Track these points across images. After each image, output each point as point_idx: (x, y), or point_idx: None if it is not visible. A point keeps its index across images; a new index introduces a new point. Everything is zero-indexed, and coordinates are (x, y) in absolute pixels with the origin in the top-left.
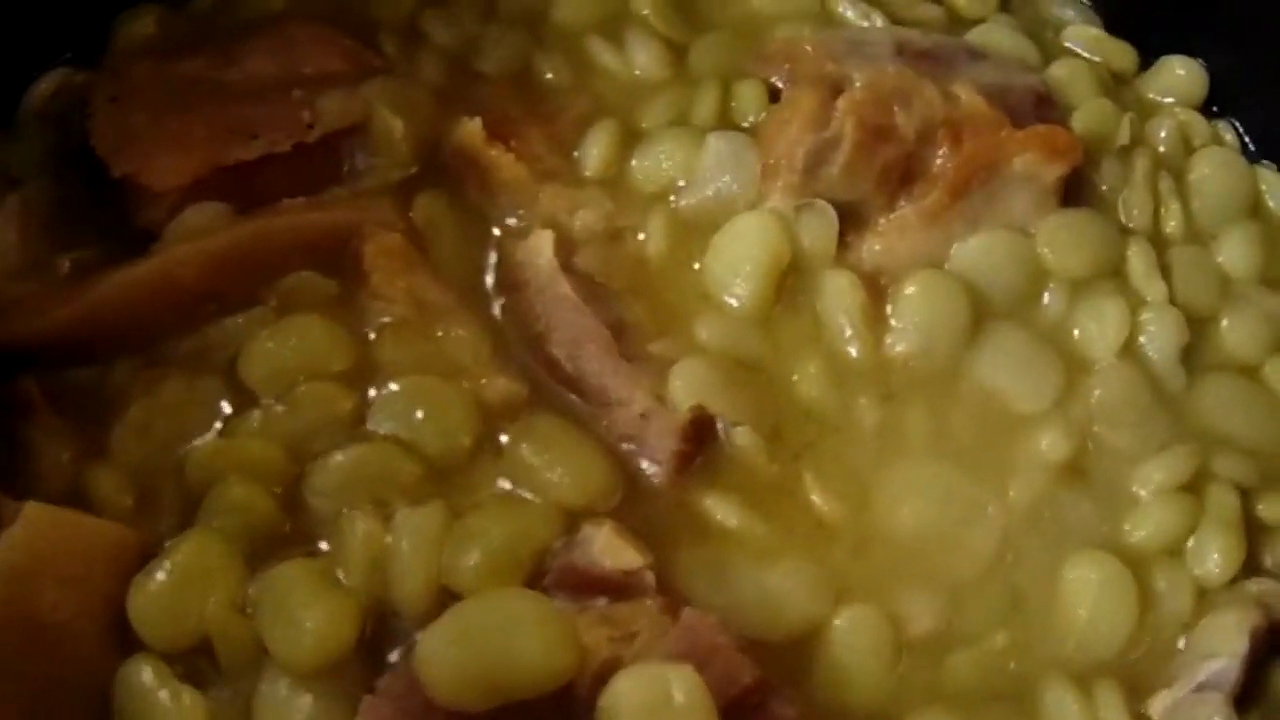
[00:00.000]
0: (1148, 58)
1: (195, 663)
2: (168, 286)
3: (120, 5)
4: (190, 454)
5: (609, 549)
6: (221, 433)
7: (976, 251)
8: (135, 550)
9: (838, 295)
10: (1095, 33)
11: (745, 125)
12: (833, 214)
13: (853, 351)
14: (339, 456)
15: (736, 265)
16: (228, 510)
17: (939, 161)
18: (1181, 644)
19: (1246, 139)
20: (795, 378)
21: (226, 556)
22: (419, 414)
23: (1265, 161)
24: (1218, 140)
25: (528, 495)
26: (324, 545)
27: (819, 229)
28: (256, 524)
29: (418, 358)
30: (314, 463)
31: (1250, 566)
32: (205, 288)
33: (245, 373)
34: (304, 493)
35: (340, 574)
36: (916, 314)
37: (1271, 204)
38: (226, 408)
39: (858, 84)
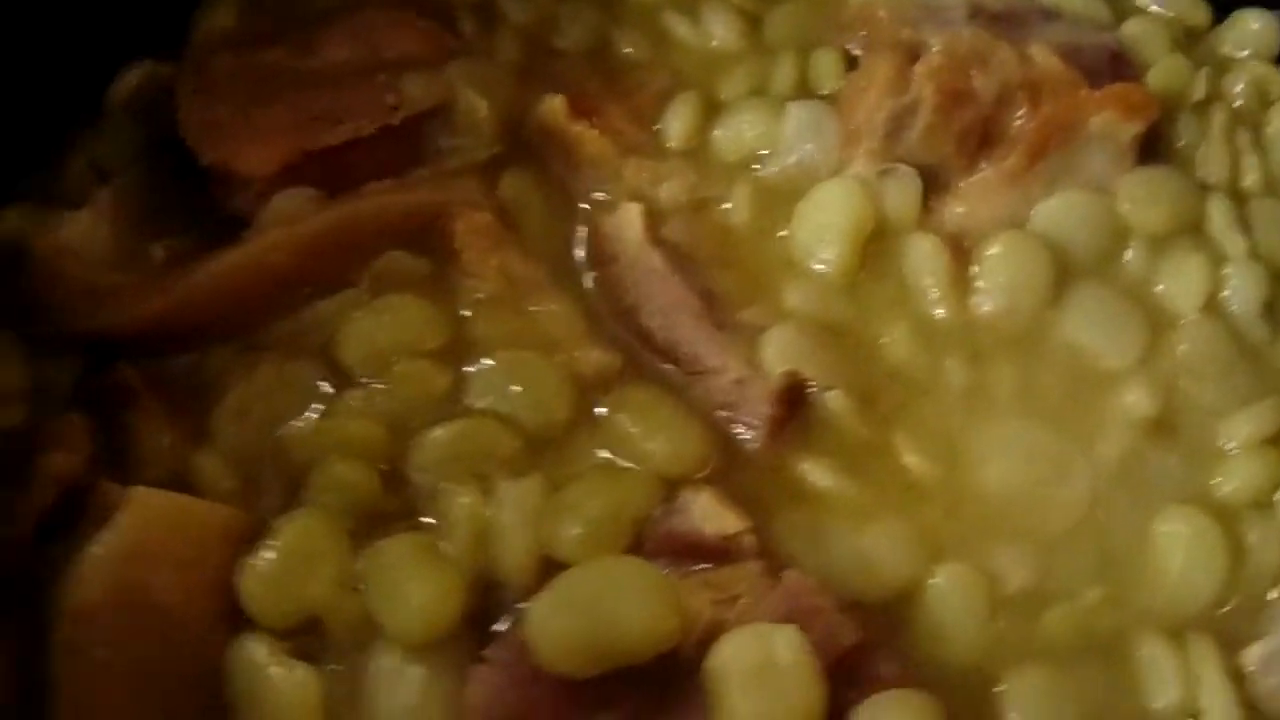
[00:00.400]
0: (1220, 13)
1: (306, 640)
2: (262, 272)
3: None
4: (290, 435)
5: (709, 514)
6: (321, 413)
7: (1057, 211)
8: (243, 531)
9: (922, 258)
10: None
11: (824, 93)
12: (915, 178)
13: (939, 313)
14: (438, 432)
15: (821, 232)
16: (331, 489)
17: (1017, 123)
18: (1273, 595)
19: None
20: (883, 340)
21: (332, 534)
22: (515, 388)
23: None
24: None
25: (626, 464)
26: (428, 520)
27: (901, 193)
28: (360, 501)
29: (511, 333)
30: (414, 439)
31: None
32: (298, 272)
33: (342, 354)
34: (405, 469)
35: (445, 547)
36: (1000, 274)
37: None
38: (325, 388)
39: (934, 48)
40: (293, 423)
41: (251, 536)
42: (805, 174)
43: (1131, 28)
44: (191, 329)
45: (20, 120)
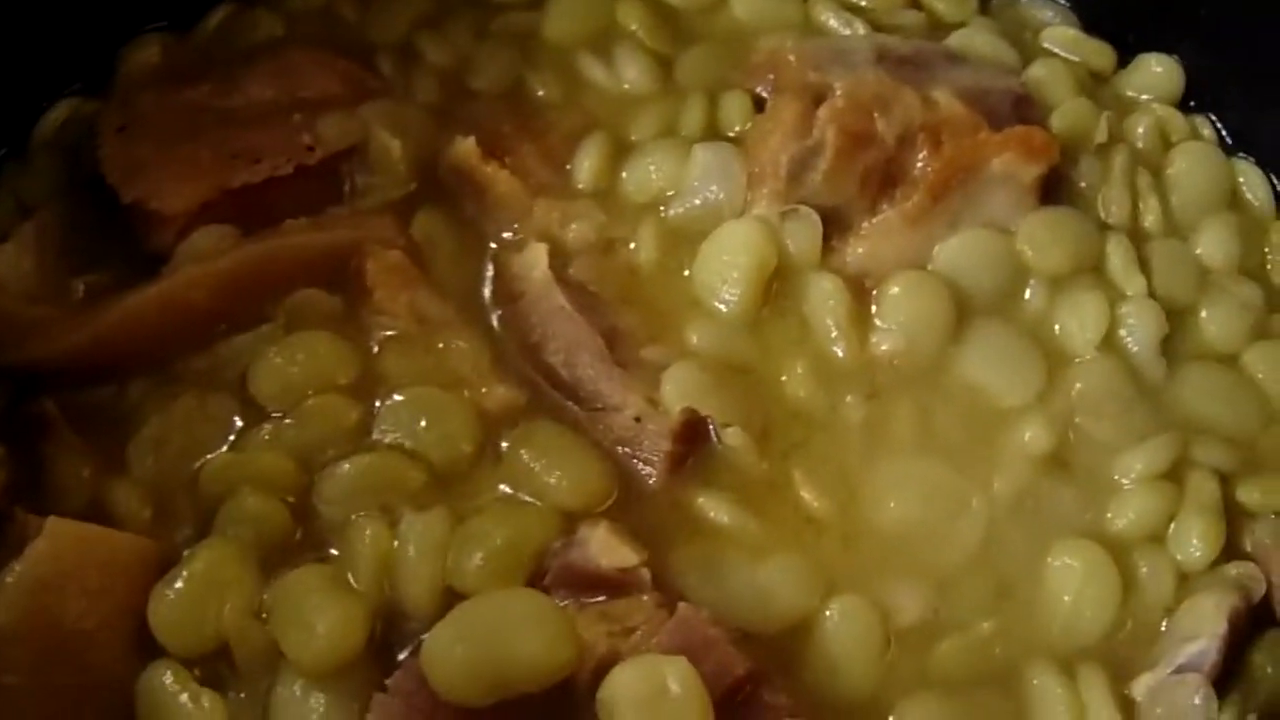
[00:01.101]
0: (1125, 56)
1: (214, 667)
2: (179, 307)
3: (126, 35)
4: (205, 467)
5: (605, 548)
6: (234, 446)
7: (958, 251)
8: (155, 560)
9: (823, 298)
10: (1073, 33)
11: (731, 135)
12: (817, 219)
13: (839, 351)
14: (347, 466)
15: (725, 271)
16: (242, 520)
17: (919, 165)
18: (1164, 627)
19: (1224, 133)
20: (784, 378)
21: (241, 564)
22: (422, 423)
23: (1242, 154)
24: (1195, 135)
25: (527, 498)
26: (334, 551)
27: (804, 234)
28: (269, 532)
29: (420, 369)
30: (323, 472)
31: (1230, 550)
32: (215, 307)
33: (255, 388)
34: (314, 501)
35: (350, 578)
36: (900, 313)
37: (1249, 196)
38: (238, 422)
39: (838, 92)
40: (208, 455)
41: (164, 566)
42: (710, 214)
43: (1037, 70)
44: (111, 362)
45: None
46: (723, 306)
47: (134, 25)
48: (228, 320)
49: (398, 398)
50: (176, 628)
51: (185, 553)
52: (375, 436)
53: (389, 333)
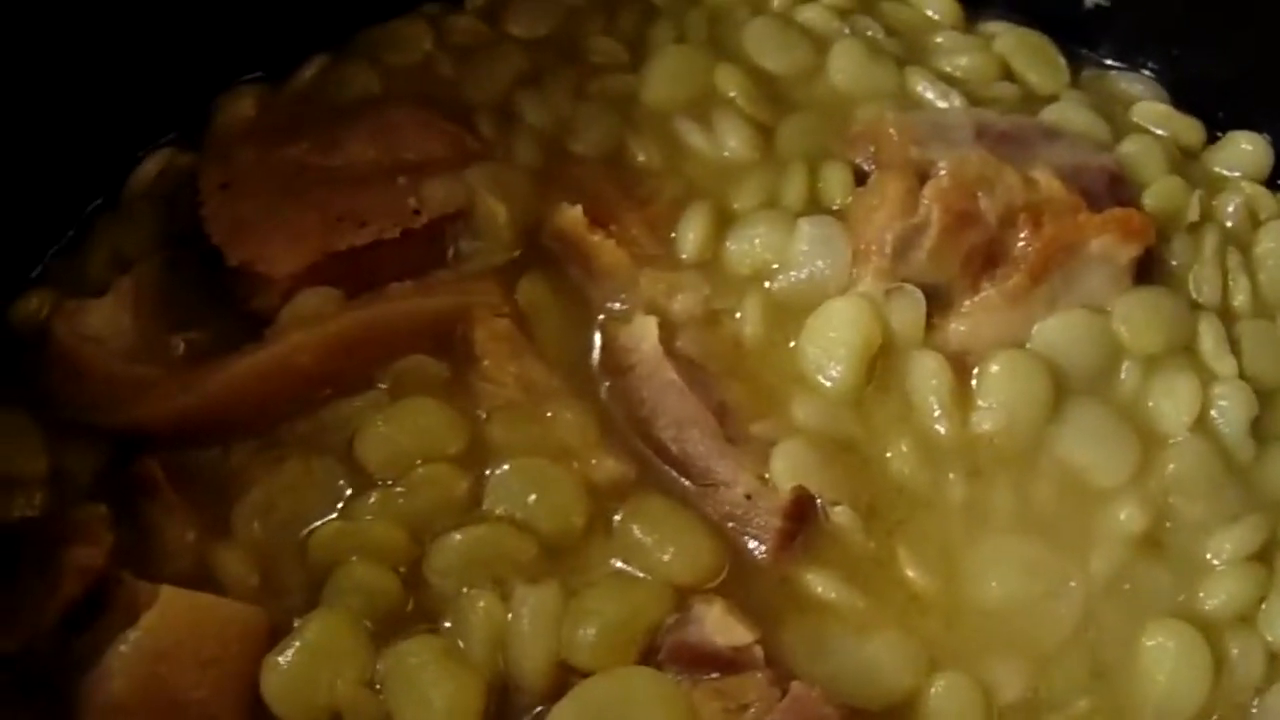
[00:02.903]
0: (1214, 132)
1: None
2: (286, 372)
3: (219, 85)
4: (313, 534)
5: (721, 626)
6: (342, 513)
7: (1056, 330)
8: (266, 630)
9: (926, 376)
10: (1163, 109)
11: (834, 208)
12: (921, 297)
13: (941, 429)
14: (457, 537)
15: (831, 348)
16: (352, 590)
17: (1020, 244)
18: (1255, 708)
19: None
20: (888, 455)
21: (354, 635)
22: (532, 495)
23: None
24: None
25: (639, 573)
26: (447, 624)
27: (908, 312)
28: (381, 603)
29: (528, 439)
30: (433, 543)
31: None
32: (321, 372)
33: (362, 455)
34: (425, 572)
35: (463, 650)
36: (1001, 392)
37: None
38: (346, 489)
39: (942, 169)
40: (316, 522)
41: (274, 635)
42: (815, 289)
43: (1129, 146)
44: (214, 425)
45: (42, 203)
46: (828, 383)
47: (228, 75)
48: (334, 385)
49: (506, 468)
50: (290, 698)
51: (297, 622)
52: (485, 507)
53: (497, 401)
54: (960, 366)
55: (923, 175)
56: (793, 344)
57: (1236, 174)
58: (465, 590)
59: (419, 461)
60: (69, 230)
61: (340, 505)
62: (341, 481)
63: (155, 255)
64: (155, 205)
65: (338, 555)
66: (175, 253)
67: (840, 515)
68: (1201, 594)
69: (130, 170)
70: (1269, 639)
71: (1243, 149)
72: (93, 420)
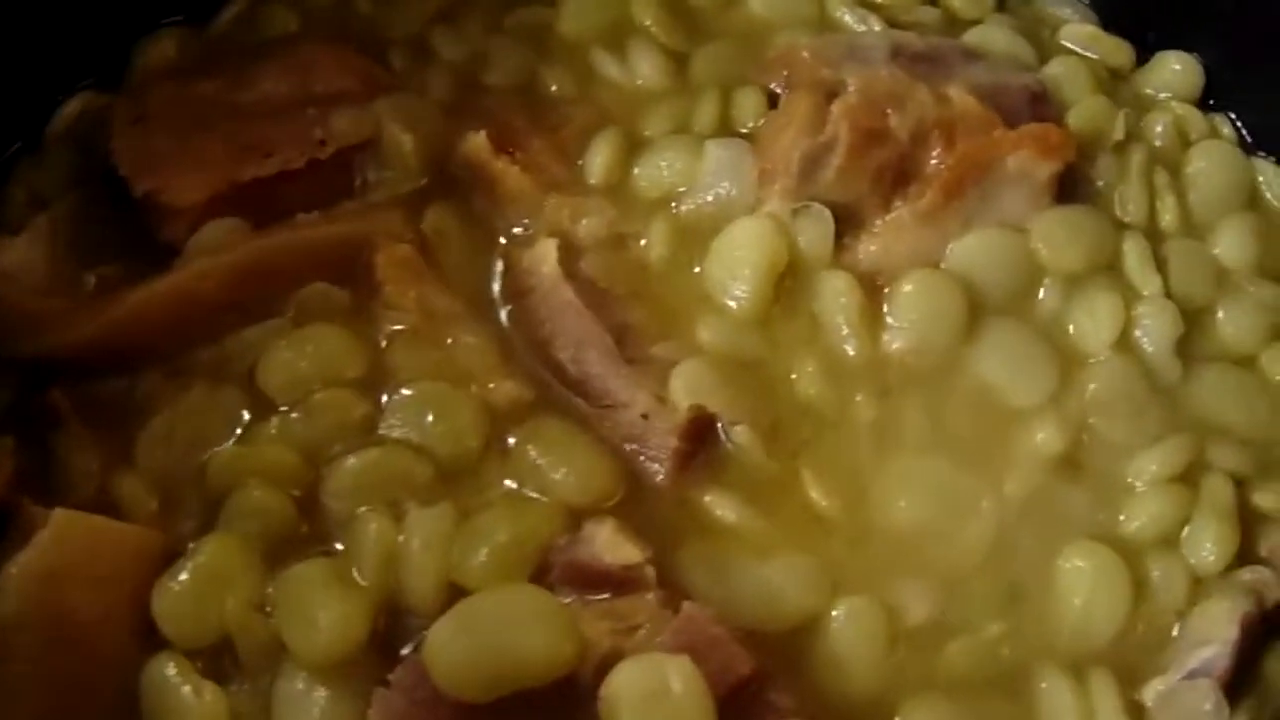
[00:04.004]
0: (1144, 54)
1: (217, 659)
2: (189, 299)
3: (141, 29)
4: (211, 460)
5: (610, 545)
6: (241, 439)
7: (971, 249)
8: (159, 552)
9: (834, 295)
10: (1091, 30)
11: (744, 131)
12: (828, 217)
13: (850, 350)
14: (353, 460)
15: (735, 268)
16: (247, 513)
17: (933, 162)
18: (1175, 632)
19: (1244, 132)
20: (794, 376)
21: (246, 557)
22: (430, 418)
23: (1262, 154)
24: (1214, 134)
25: (534, 495)
26: (339, 546)
27: (815, 231)
28: (275, 526)
29: (428, 364)
30: (329, 466)
31: (1245, 555)
32: (225, 300)
33: (264, 381)
34: (320, 495)
35: (355, 573)
36: (913, 312)
37: (1269, 195)
38: (246, 415)
39: (851, 88)
40: (215, 448)
41: (168, 558)
42: (722, 211)
43: (1054, 68)
44: (120, 354)
45: None
46: (733, 303)
47: (149, 20)
48: (237, 313)
49: (405, 393)
50: (180, 620)
51: (190, 545)
52: (382, 431)
53: (398, 327)
54: (871, 286)
55: (833, 96)
56: (698, 267)
57: (1166, 95)
58: (359, 513)
59: (318, 387)
60: None
61: (239, 431)
62: (243, 409)
63: (71, 194)
64: (73, 146)
65: (235, 480)
66: (91, 191)
67: (741, 435)
68: (1122, 516)
69: (50, 115)
70: (1191, 562)
71: (1173, 69)
72: (2, 352)
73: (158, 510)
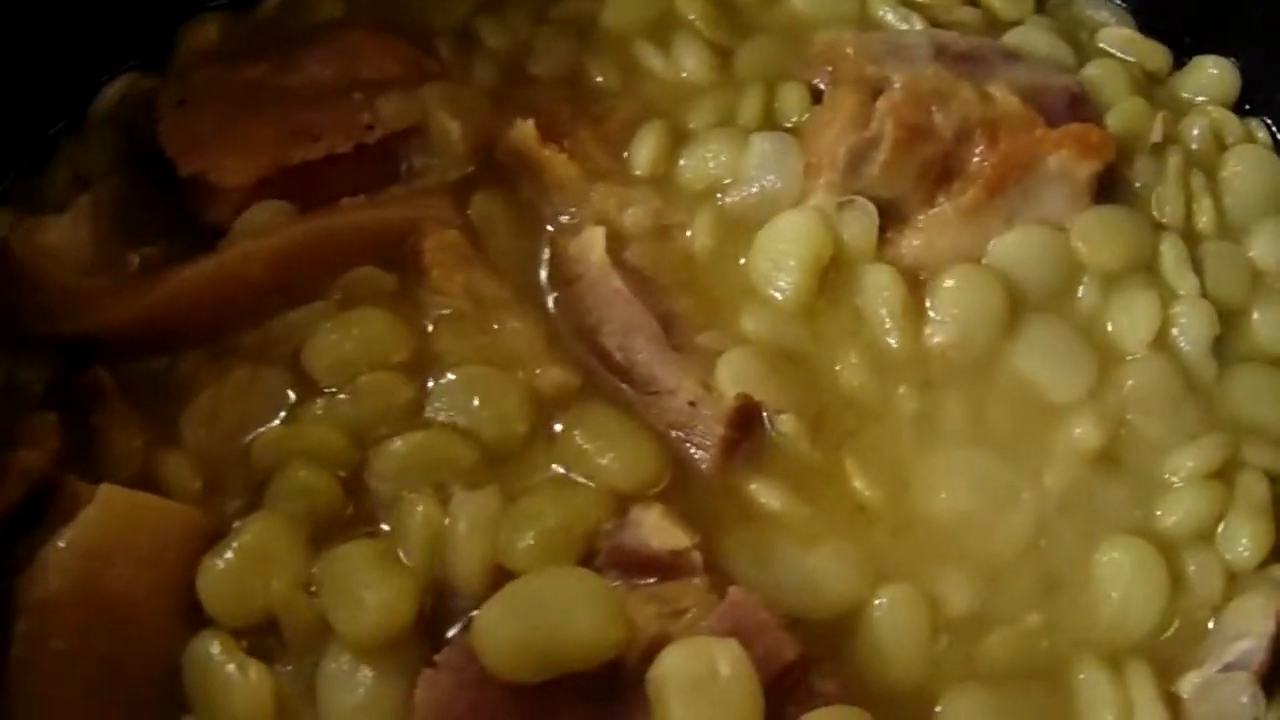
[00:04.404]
0: (1181, 57)
1: (262, 639)
2: (234, 281)
3: (185, 13)
4: (256, 440)
5: (657, 530)
6: (286, 420)
7: (1013, 246)
8: (205, 531)
9: (878, 289)
10: (1129, 33)
11: (788, 126)
12: (873, 210)
13: (892, 342)
14: (399, 443)
15: (780, 260)
16: (293, 493)
17: (976, 160)
18: (1211, 626)
19: (1278, 135)
20: (837, 368)
21: (291, 537)
22: (476, 402)
23: None
24: (1250, 138)
25: (580, 479)
26: (385, 527)
27: (860, 225)
28: (320, 506)
29: (474, 349)
30: (375, 448)
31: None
32: (270, 282)
33: (309, 363)
34: (366, 477)
35: (401, 554)
36: (954, 306)
37: None
38: (291, 396)
39: (896, 85)
40: (260, 428)
41: (213, 537)
42: (766, 203)
43: (1093, 70)
44: (165, 334)
45: (5, 125)
46: (778, 295)
47: (194, 3)
48: (283, 295)
49: (451, 376)
50: (224, 598)
51: (235, 524)
52: (429, 414)
53: (444, 312)
54: (913, 281)
55: (878, 92)
56: (743, 259)
57: (1202, 98)
58: (405, 495)
59: (364, 369)
60: (35, 154)
61: (284, 412)
62: (288, 390)
63: (115, 175)
64: (117, 128)
65: (280, 460)
66: (135, 173)
67: (786, 424)
68: (1159, 511)
69: (94, 96)
70: (1227, 558)
71: (1209, 73)
72: (46, 330)
73: (202, 489)
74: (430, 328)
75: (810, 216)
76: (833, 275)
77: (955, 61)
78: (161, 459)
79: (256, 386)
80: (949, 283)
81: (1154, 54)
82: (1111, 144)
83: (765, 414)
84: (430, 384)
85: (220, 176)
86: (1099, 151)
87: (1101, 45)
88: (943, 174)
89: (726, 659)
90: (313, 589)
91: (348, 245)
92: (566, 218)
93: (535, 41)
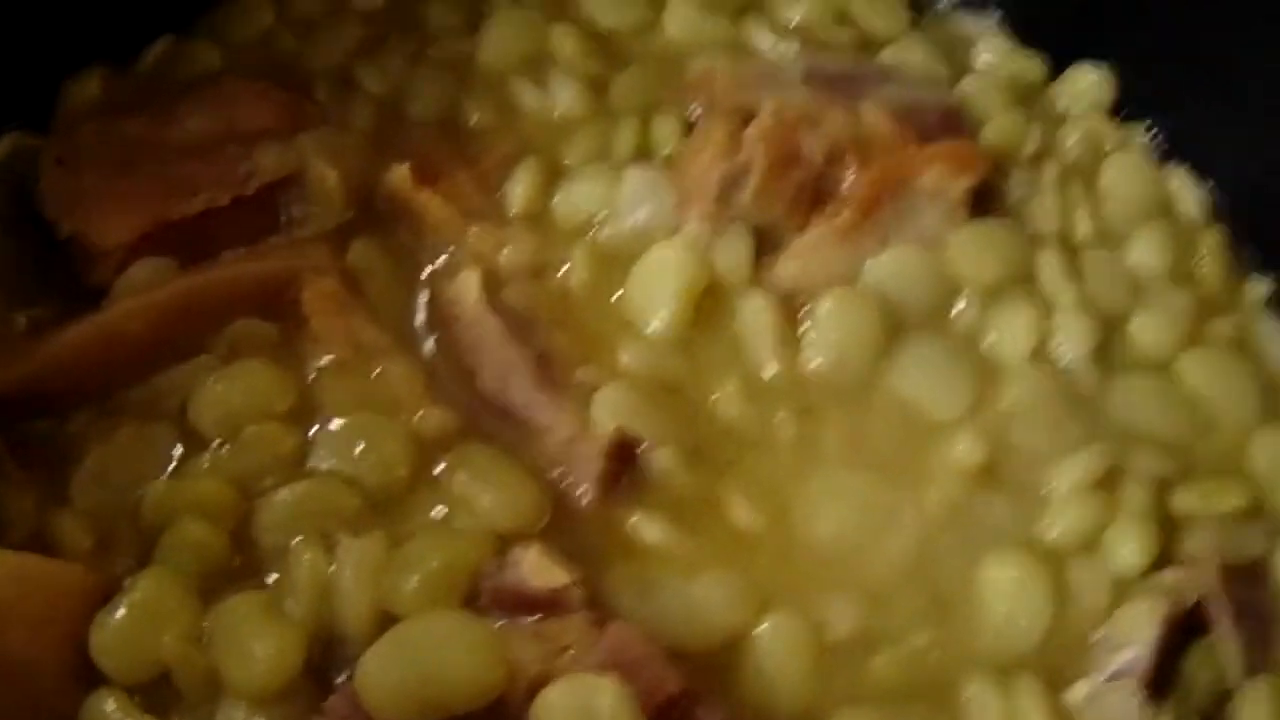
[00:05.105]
0: (1059, 67)
1: (157, 694)
2: (117, 339)
3: (69, 69)
4: (145, 496)
5: (536, 569)
6: (174, 475)
7: (888, 266)
8: (96, 589)
9: (753, 316)
10: (1005, 46)
11: (663, 156)
12: (746, 238)
13: (770, 369)
14: (284, 493)
15: (655, 293)
16: (182, 548)
17: (848, 182)
18: (1098, 636)
19: (1157, 140)
20: (715, 397)
21: (181, 592)
22: (358, 449)
23: (1175, 162)
24: (1128, 144)
25: (462, 521)
26: (273, 577)
27: (733, 253)
28: (209, 560)
29: (356, 395)
30: (261, 499)
31: (1167, 558)
32: (153, 339)
33: (195, 418)
34: (253, 528)
35: (289, 603)
36: (830, 330)
37: (1181, 204)
38: (178, 451)
39: (766, 111)
40: (149, 484)
41: (105, 594)
42: (641, 237)
43: (969, 85)
44: (52, 394)
45: None
46: (654, 328)
47: (76, 61)
48: (167, 351)
49: (334, 424)
50: (118, 655)
51: (126, 581)
52: (313, 463)
53: (326, 360)
54: (790, 306)
55: (749, 119)
56: (620, 292)
57: (1080, 107)
58: (291, 544)
59: (248, 421)
60: None
61: (173, 467)
62: (176, 445)
63: (1, 237)
64: (2, 189)
65: (169, 515)
66: (22, 233)
67: (664, 457)
68: (1043, 524)
69: None
70: (1112, 566)
71: (1086, 81)
72: None
73: (94, 547)
74: (312, 376)
75: (683, 248)
76: (708, 305)
77: (827, 84)
78: (54, 519)
79: (144, 443)
80: (825, 306)
81: (1030, 65)
82: (984, 159)
83: (642, 447)
84: (314, 432)
85: (100, 236)
86: (971, 167)
87: (978, 58)
88: (816, 198)
89: (607, 695)
90: (204, 641)
91: (228, 298)
92: (443, 260)
93: (412, 83)
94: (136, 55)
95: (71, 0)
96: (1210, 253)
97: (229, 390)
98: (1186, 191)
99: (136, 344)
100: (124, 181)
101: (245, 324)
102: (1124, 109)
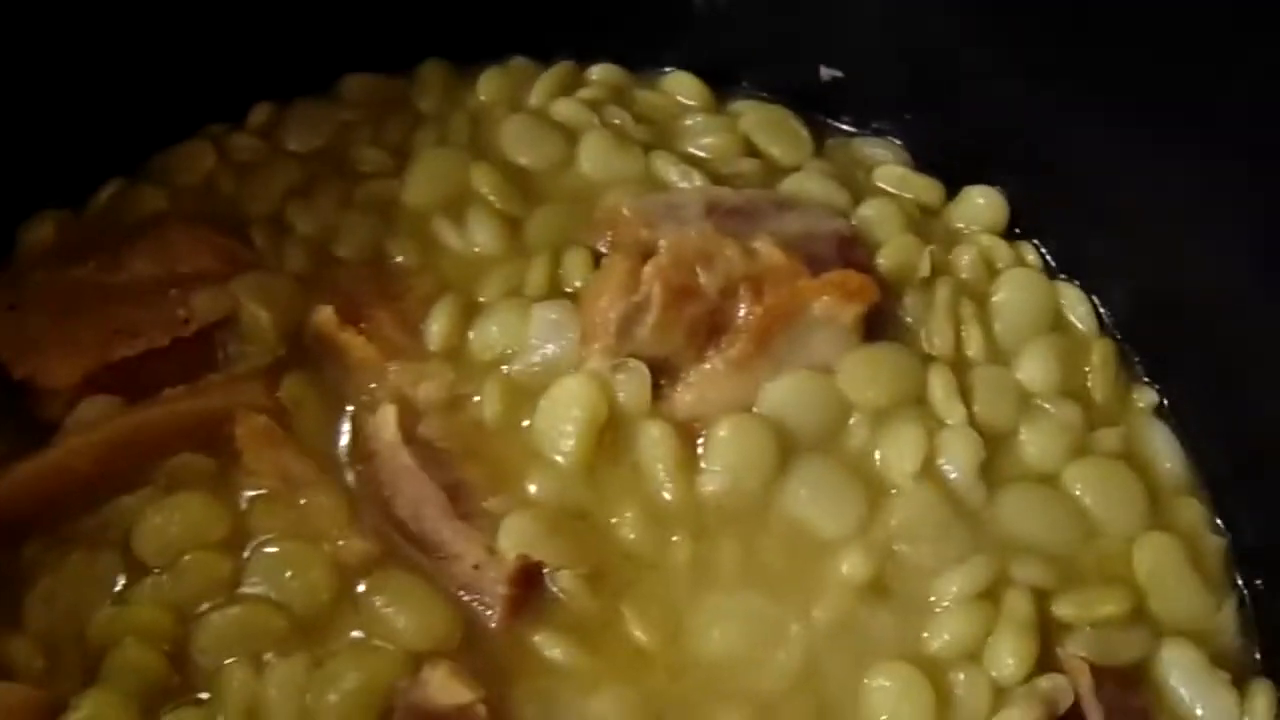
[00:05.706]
0: (954, 189)
1: None
2: (65, 474)
3: (22, 214)
4: (91, 620)
5: (443, 687)
6: (118, 600)
7: (782, 393)
8: (45, 709)
9: (652, 444)
10: (901, 170)
11: (570, 291)
12: (645, 371)
13: (667, 495)
14: (217, 616)
15: (560, 424)
16: (124, 669)
17: (742, 314)
18: None
19: (1048, 257)
20: (615, 522)
21: (124, 710)
22: (286, 574)
23: (1064, 276)
24: (1020, 261)
25: (380, 642)
26: (206, 695)
27: (633, 385)
28: (149, 679)
29: (285, 524)
30: (197, 623)
31: (1047, 664)
32: (100, 472)
33: (138, 546)
34: (190, 649)
35: None
36: (726, 455)
37: (1071, 317)
38: (122, 579)
39: (663, 248)
40: (96, 609)
41: (53, 713)
42: (548, 370)
43: (867, 209)
44: (6, 524)
45: None
46: (560, 457)
47: (29, 205)
48: (113, 483)
49: (265, 551)
50: None
51: (72, 700)
52: (244, 588)
53: (258, 491)
54: (689, 433)
55: (649, 254)
56: (527, 423)
57: (975, 227)
58: (224, 664)
59: (186, 549)
60: None
61: (117, 591)
62: (119, 573)
63: None
64: None
65: (113, 638)
66: None
67: (566, 580)
68: (926, 634)
69: None
70: (993, 674)
71: (978, 203)
72: None
73: (44, 669)
74: (245, 506)
75: (586, 381)
76: (610, 435)
77: (726, 217)
78: (7, 642)
79: (92, 570)
80: (721, 433)
81: (927, 188)
82: (873, 286)
83: (546, 571)
84: (246, 558)
85: (49, 378)
86: (860, 295)
87: (877, 183)
88: (712, 329)
89: None
90: None
91: (169, 434)
92: (367, 396)
93: (341, 224)
94: (87, 198)
95: (26, 146)
96: (1099, 365)
97: (168, 521)
98: (1076, 306)
99: (85, 478)
100: (71, 325)
101: (184, 458)
102: (1015, 228)
